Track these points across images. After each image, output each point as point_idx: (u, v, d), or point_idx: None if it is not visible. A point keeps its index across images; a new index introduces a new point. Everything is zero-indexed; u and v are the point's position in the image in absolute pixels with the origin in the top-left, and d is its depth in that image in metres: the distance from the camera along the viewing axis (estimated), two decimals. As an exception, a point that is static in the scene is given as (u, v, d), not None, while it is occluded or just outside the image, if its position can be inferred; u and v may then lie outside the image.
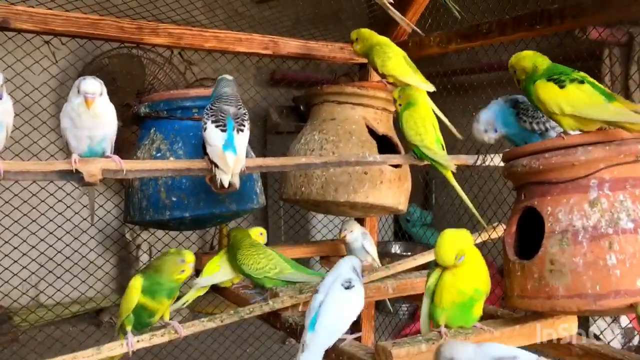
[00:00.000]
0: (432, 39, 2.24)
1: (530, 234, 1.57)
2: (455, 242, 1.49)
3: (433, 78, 3.70)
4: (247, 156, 1.60)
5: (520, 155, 1.58)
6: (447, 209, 5.07)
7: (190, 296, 1.93)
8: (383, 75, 2.10)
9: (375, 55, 2.07)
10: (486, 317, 1.68)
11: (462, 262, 1.49)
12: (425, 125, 1.90)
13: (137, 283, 1.54)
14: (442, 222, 5.68)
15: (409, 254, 4.73)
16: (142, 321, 1.56)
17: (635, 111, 1.44)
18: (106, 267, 4.73)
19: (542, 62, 1.63)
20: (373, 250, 2.20)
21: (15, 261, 3.45)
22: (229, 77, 1.70)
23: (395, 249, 5.58)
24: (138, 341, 1.53)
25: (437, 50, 2.26)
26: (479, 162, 2.08)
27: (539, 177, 1.53)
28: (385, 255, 5.49)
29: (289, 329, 1.75)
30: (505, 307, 1.77)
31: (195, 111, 1.90)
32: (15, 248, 3.40)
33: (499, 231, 2.11)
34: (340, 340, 1.54)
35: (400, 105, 1.98)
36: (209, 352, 3.65)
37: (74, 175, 1.44)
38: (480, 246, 2.12)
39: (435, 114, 1.96)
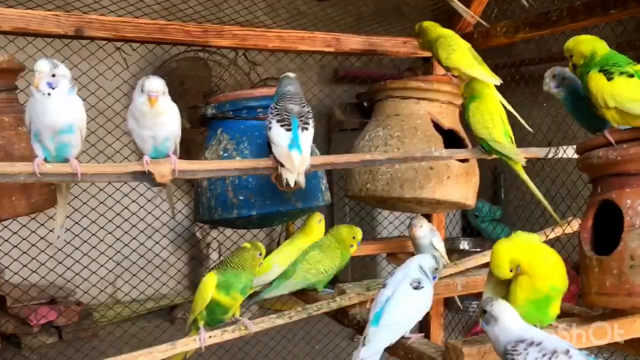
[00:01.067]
0: (499, 29, 2.18)
1: (608, 228, 1.50)
2: (509, 253, 1.44)
3: (500, 69, 3.62)
4: (311, 154, 1.61)
5: (596, 146, 1.52)
6: (518, 204, 4.93)
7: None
8: (448, 68, 2.06)
9: (440, 48, 2.03)
10: (562, 315, 1.62)
11: (520, 271, 1.44)
12: (493, 118, 1.85)
13: (211, 279, 1.57)
14: (512, 217, 5.53)
15: (478, 250, 4.63)
16: (215, 317, 1.58)
17: None
18: (178, 265, 4.87)
19: (601, 48, 1.56)
20: (441, 247, 2.17)
21: (94, 260, 3.61)
22: (292, 75, 1.70)
23: (464, 245, 5.48)
24: (210, 337, 1.55)
25: (504, 41, 2.19)
26: (550, 155, 2.01)
27: (617, 169, 1.46)
28: (453, 252, 5.38)
29: (357, 326, 1.74)
30: (581, 305, 1.71)
31: (260, 111, 1.91)
32: (93, 247, 3.56)
33: (573, 226, 2.03)
34: (405, 338, 1.52)
35: (466, 98, 1.94)
36: (278, 348, 3.69)
37: (146, 176, 1.48)
38: (554, 242, 2.05)
39: (503, 106, 1.91)
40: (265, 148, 1.88)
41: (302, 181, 1.58)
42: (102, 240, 3.53)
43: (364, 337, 1.48)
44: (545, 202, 1.84)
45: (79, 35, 1.87)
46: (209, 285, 1.56)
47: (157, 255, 3.77)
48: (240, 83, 4.69)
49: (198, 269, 5.44)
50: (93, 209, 3.38)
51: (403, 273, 1.55)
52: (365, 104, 4.50)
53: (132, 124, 1.50)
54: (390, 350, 1.53)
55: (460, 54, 2.00)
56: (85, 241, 3.59)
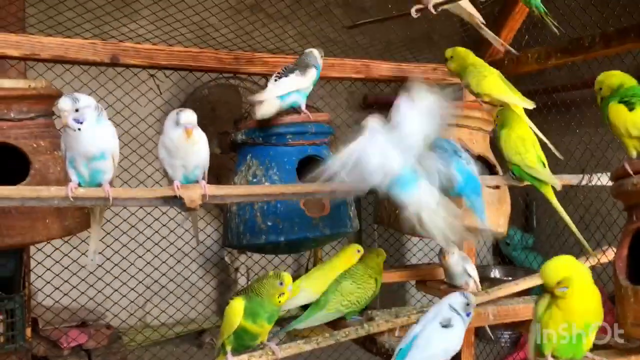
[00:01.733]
0: (530, 55, 2.16)
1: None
2: (563, 268, 1.41)
3: (532, 95, 3.58)
4: None
5: (628, 173, 1.49)
6: (550, 232, 4.83)
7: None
8: (478, 95, 2.06)
9: (469, 75, 2.03)
10: (598, 347, 1.58)
11: (565, 293, 1.40)
12: (525, 144, 1.85)
13: (238, 305, 1.56)
14: (544, 245, 5.42)
15: (510, 278, 4.55)
16: (243, 344, 1.57)
17: None
18: (207, 289, 4.88)
19: (629, 82, 1.59)
20: (475, 274, 2.14)
21: (124, 283, 3.64)
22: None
23: (495, 273, 5.38)
24: None
25: (536, 67, 2.18)
26: (584, 182, 1.98)
27: (652, 196, 1.43)
28: (484, 280, 5.28)
29: (385, 354, 1.72)
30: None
31: (290, 137, 1.92)
32: (124, 270, 3.59)
33: (609, 255, 1.99)
34: None
35: (497, 125, 1.94)
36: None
37: (177, 201, 1.50)
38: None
39: (534, 133, 1.90)
40: (294, 174, 1.90)
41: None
42: (132, 264, 3.56)
43: None
44: (575, 230, 1.83)
45: (114, 63, 1.92)
46: (237, 311, 1.55)
47: (186, 279, 3.78)
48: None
49: (226, 294, 5.43)
50: (124, 233, 3.42)
51: (435, 311, 1.53)
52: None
53: (163, 154, 1.54)
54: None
55: (491, 80, 2.00)
56: (116, 264, 3.62)
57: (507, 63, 2.25)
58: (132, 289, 3.72)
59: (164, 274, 3.64)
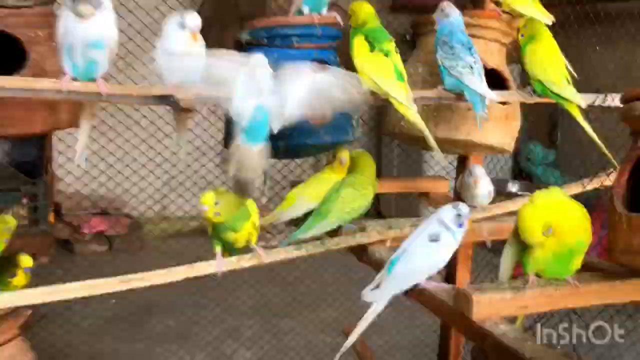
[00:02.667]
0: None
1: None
2: (540, 217, 1.39)
3: (564, 5, 3.41)
4: None
5: (638, 96, 1.42)
6: (573, 148, 4.74)
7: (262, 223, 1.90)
8: (497, 3, 1.97)
9: None
10: (588, 269, 1.58)
11: (552, 232, 1.39)
12: (552, 59, 1.81)
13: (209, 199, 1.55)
14: (566, 161, 5.33)
15: (527, 194, 4.52)
16: (227, 246, 1.61)
17: None
18: (225, 187, 4.97)
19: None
20: (493, 192, 2.11)
21: (143, 177, 3.73)
22: None
23: (513, 188, 5.35)
24: (227, 263, 1.59)
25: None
26: (597, 102, 1.91)
27: (658, 123, 1.37)
28: (500, 194, 5.28)
29: (374, 263, 1.74)
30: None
31: (296, 39, 1.87)
32: (142, 166, 3.67)
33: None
34: (426, 283, 1.52)
35: (522, 36, 1.86)
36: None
37: (171, 100, 1.48)
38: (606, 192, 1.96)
39: None
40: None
41: None
42: (151, 159, 3.64)
43: (377, 282, 1.50)
44: (602, 147, 1.83)
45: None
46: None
47: (202, 177, 3.86)
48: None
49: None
50: (143, 128, 3.47)
51: (425, 224, 1.53)
52: (407, 37, 4.30)
53: (162, 59, 1.51)
54: (405, 292, 1.54)
55: None
56: (135, 159, 3.71)
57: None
58: (150, 184, 3.82)
59: (181, 171, 3.72)
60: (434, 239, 1.50)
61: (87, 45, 1.39)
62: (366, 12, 1.73)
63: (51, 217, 4.89)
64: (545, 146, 5.52)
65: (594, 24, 3.50)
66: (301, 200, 1.94)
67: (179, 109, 1.50)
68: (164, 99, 1.48)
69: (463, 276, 2.37)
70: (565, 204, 1.45)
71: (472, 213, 1.93)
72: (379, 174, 5.54)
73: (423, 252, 1.50)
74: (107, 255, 5.16)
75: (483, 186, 2.05)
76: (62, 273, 4.25)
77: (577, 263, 1.46)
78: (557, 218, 1.41)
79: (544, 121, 5.35)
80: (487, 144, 2.01)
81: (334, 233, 1.87)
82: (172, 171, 3.93)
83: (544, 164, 5.48)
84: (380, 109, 2.35)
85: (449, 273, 2.41)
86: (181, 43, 1.48)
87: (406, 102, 1.64)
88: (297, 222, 1.89)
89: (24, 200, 4.68)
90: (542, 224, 1.40)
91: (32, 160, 4.83)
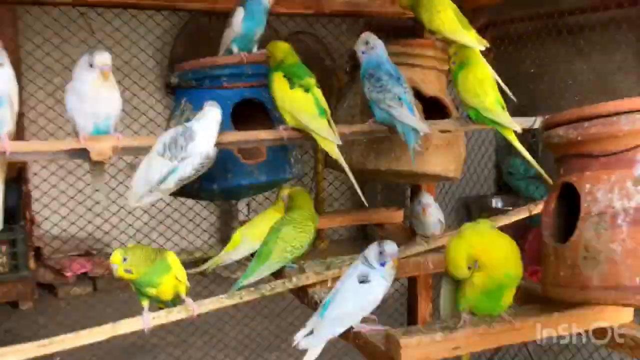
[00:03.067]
0: (487, -13, 2.00)
1: (572, 214, 1.38)
2: (465, 251, 1.36)
3: (541, 19, 3.39)
4: None
5: (558, 123, 1.38)
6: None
7: (207, 266, 1.91)
8: (431, 32, 1.93)
9: (422, 10, 1.90)
10: (530, 298, 1.54)
11: (478, 267, 1.35)
12: (484, 85, 1.75)
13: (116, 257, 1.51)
14: (549, 174, 5.28)
15: (510, 208, 4.47)
16: (154, 301, 1.56)
17: None
18: (211, 218, 4.94)
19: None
20: (444, 220, 2.08)
21: (130, 213, 3.70)
22: None
23: (497, 203, 5.30)
24: (154, 318, 1.53)
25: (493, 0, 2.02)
26: (536, 125, 1.87)
27: (578, 149, 1.34)
28: (484, 210, 5.23)
29: (315, 305, 1.69)
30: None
31: (225, 79, 1.83)
32: (126, 203, 3.64)
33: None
34: (360, 326, 1.47)
35: (454, 63, 1.82)
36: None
37: (83, 154, 1.44)
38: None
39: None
40: (228, 119, 1.82)
41: None
42: None
43: (310, 327, 1.46)
44: (541, 171, 1.84)
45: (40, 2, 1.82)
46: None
47: (190, 209, 3.84)
48: (269, 38, 4.59)
49: (229, 223, 5.51)
50: (128, 163, 3.44)
51: (353, 265, 1.49)
52: (347, 69, 4.27)
53: (73, 103, 1.46)
54: (341, 335, 1.49)
55: (444, 16, 1.87)
56: (121, 195, 3.69)
57: (467, -6, 2.08)
58: (138, 218, 3.79)
59: (168, 204, 3.68)
60: (363, 280, 1.45)
61: None
62: (282, 50, 1.69)
63: (32, 263, 4.85)
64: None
65: (566, 36, 3.48)
66: (246, 240, 1.91)
67: (92, 163, 1.46)
68: (77, 154, 1.44)
69: (424, 308, 2.31)
70: (491, 237, 1.41)
71: (417, 246, 1.89)
72: (363, 204, 5.55)
73: (353, 295, 1.45)
74: (92, 297, 5.10)
75: (432, 214, 2.01)
76: (46, 318, 4.19)
77: (509, 297, 1.41)
78: (483, 252, 1.37)
79: (525, 136, 5.31)
80: (430, 173, 1.96)
81: (276, 274, 1.82)
82: (158, 204, 3.90)
83: (527, 178, 5.41)
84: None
85: (410, 305, 2.36)
86: (89, 82, 1.43)
87: (328, 136, 1.60)
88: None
89: (2, 248, 4.64)
90: (467, 257, 1.36)
91: (11, 206, 4.80)
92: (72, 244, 5.26)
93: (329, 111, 1.64)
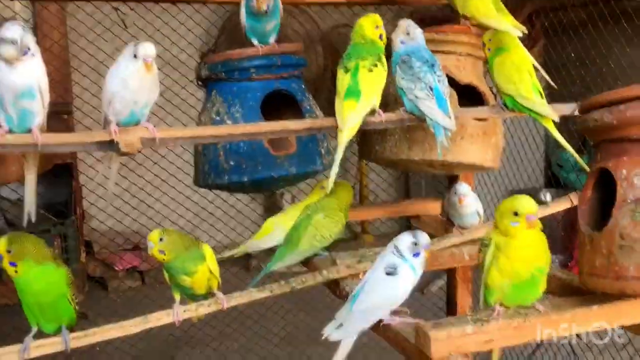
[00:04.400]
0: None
1: (610, 202, 1.32)
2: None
3: (594, 4, 3.27)
4: None
5: (594, 106, 1.32)
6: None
7: (236, 252, 1.91)
8: (465, 17, 1.88)
9: None
10: (566, 287, 1.48)
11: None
12: (520, 71, 1.68)
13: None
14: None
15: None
16: (186, 293, 1.56)
17: None
18: (253, 216, 4.97)
19: None
20: (482, 212, 2.02)
21: (173, 210, 3.77)
22: None
23: (546, 197, 5.16)
24: (185, 311, 1.53)
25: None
26: (577, 112, 1.79)
27: (615, 134, 1.28)
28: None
29: (346, 297, 1.67)
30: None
31: (253, 71, 1.83)
32: (172, 199, 3.72)
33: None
34: (390, 319, 1.43)
35: (489, 49, 1.77)
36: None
37: (112, 146, 1.46)
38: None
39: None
40: (258, 111, 1.82)
41: None
42: (180, 192, 3.68)
43: (340, 320, 1.44)
44: (580, 160, 1.80)
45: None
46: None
47: (231, 206, 3.87)
48: (309, 32, 4.59)
49: (273, 219, 5.53)
50: (171, 162, 3.51)
51: (382, 255, 1.45)
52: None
53: (114, 87, 1.46)
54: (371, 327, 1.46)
55: (477, 0, 1.81)
56: (164, 193, 3.76)
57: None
58: (181, 216, 3.86)
59: (211, 202, 3.73)
60: (391, 272, 1.41)
61: (17, 94, 1.37)
62: (355, 31, 1.68)
63: (82, 256, 4.99)
64: (578, 152, 5.28)
65: (620, 21, 3.33)
66: (278, 229, 1.90)
67: (120, 154, 1.47)
68: (106, 145, 1.46)
69: (464, 301, 2.26)
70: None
71: (453, 237, 1.85)
72: (407, 195, 5.48)
73: (381, 287, 1.41)
74: (141, 290, 5.21)
75: (469, 205, 1.95)
76: (96, 311, 4.31)
77: (542, 287, 1.35)
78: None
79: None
80: (465, 163, 1.91)
81: (306, 263, 1.81)
82: (202, 202, 3.96)
83: (577, 170, 5.24)
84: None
85: (449, 298, 2.31)
86: (132, 72, 1.43)
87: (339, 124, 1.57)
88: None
89: (55, 242, 4.79)
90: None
91: (63, 200, 4.96)
92: (121, 239, 5.39)
93: (361, 94, 1.60)
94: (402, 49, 1.69)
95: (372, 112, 1.62)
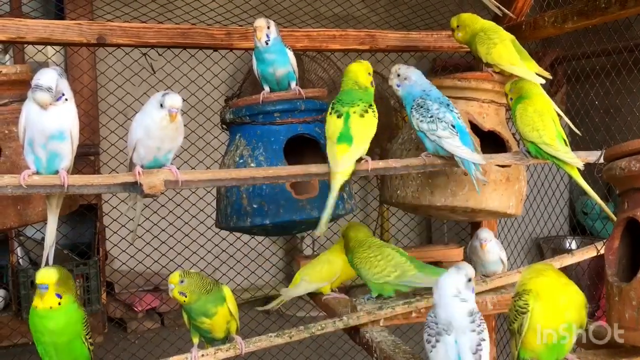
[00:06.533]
0: (547, 19, 1.94)
1: (638, 252, 1.29)
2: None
3: (617, 54, 3.27)
4: None
5: (620, 154, 1.30)
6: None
7: (275, 304, 1.96)
8: (488, 65, 1.89)
9: (479, 43, 1.87)
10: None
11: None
12: (543, 119, 1.67)
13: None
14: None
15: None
16: (205, 336, 1.55)
17: None
18: (273, 259, 4.95)
19: None
20: (505, 260, 2.00)
21: (194, 252, 3.77)
22: None
23: (572, 244, 5.07)
24: (202, 355, 1.51)
25: (552, 31, 1.96)
26: (602, 159, 1.77)
27: (641, 183, 1.25)
28: (557, 251, 5.01)
29: (366, 345, 1.64)
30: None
31: (277, 115, 1.85)
32: (194, 241, 3.72)
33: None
34: None
35: (512, 99, 1.77)
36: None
37: (136, 187, 1.47)
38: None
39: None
40: (281, 154, 1.83)
41: None
42: (202, 234, 3.68)
43: None
44: (606, 208, 1.76)
45: (101, 43, 1.91)
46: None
47: (252, 249, 3.86)
48: (332, 78, 4.65)
49: (292, 262, 5.50)
50: (193, 204, 3.53)
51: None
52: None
53: (139, 134, 1.49)
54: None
55: (501, 48, 1.84)
56: (186, 235, 3.77)
57: (525, 28, 2.03)
58: (202, 258, 3.85)
59: (231, 244, 3.73)
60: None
61: (48, 136, 1.40)
62: (347, 77, 1.67)
63: (103, 297, 4.99)
64: (603, 199, 5.20)
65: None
66: (303, 281, 1.95)
67: (144, 196, 1.48)
68: (130, 187, 1.47)
69: (490, 350, 2.19)
70: (552, 282, 1.32)
71: (476, 286, 1.81)
72: (429, 241, 5.42)
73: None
74: (160, 332, 5.18)
75: (491, 251, 1.93)
76: (115, 353, 4.28)
77: (570, 343, 1.31)
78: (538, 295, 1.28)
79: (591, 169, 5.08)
80: (488, 209, 1.89)
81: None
82: (223, 244, 3.96)
83: (602, 219, 5.16)
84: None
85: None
86: (156, 121, 1.45)
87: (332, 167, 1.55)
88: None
89: (77, 282, 4.81)
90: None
91: (87, 241, 4.99)
92: (142, 280, 5.39)
93: (354, 139, 1.57)
94: (404, 92, 1.68)
95: (359, 160, 1.58)
